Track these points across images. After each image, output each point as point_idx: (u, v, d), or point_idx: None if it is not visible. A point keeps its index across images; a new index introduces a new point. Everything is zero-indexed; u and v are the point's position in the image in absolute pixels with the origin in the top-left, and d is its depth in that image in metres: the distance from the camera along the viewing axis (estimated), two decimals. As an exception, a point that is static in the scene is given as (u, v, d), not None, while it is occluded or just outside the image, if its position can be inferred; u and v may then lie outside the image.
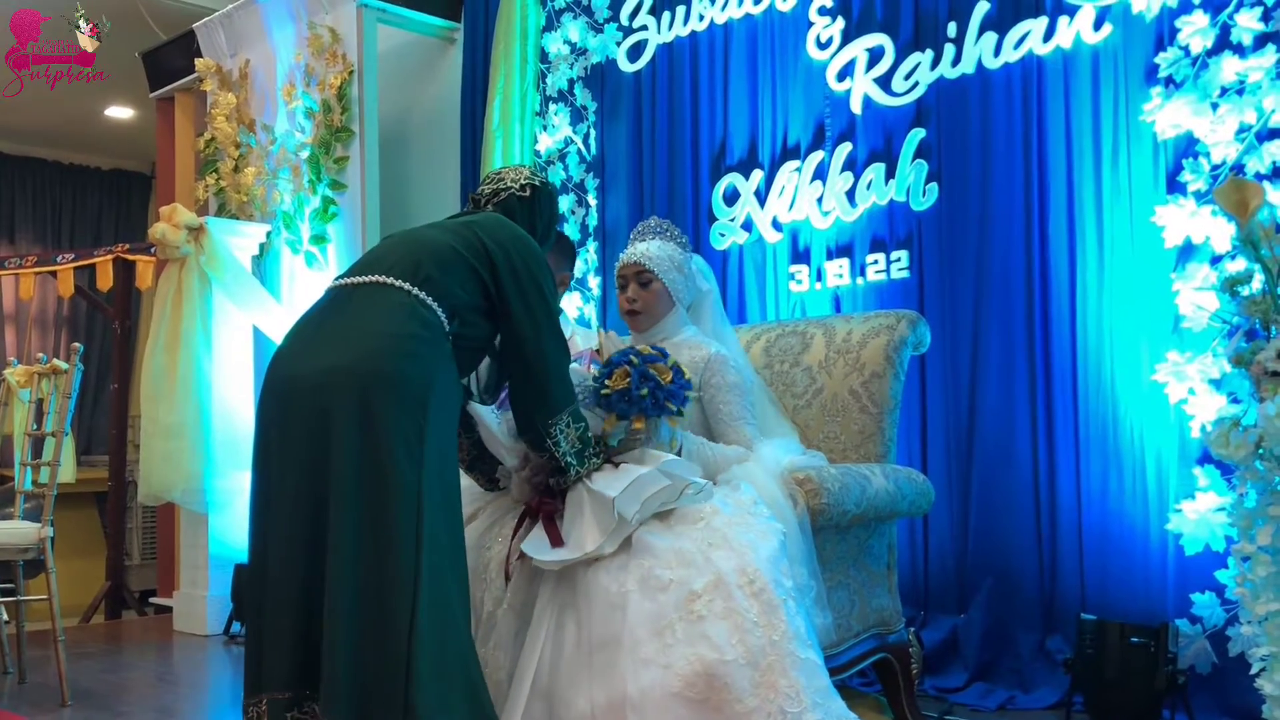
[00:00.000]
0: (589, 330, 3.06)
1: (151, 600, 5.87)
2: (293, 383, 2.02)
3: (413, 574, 1.89)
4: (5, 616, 4.00)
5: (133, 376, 5.97)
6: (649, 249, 2.68)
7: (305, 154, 5.11)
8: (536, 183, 2.39)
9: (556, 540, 2.18)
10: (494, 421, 2.33)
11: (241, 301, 4.88)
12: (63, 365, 3.80)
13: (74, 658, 3.90)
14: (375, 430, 1.92)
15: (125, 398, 5.83)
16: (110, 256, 5.58)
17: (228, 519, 4.80)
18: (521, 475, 2.38)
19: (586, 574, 2.18)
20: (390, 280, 2.07)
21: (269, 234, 5.20)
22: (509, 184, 2.37)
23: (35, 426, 3.92)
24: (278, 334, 4.80)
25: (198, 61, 5.62)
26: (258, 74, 5.46)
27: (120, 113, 7.83)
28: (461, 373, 2.17)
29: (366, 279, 2.10)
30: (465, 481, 2.35)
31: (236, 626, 4.67)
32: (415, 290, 2.06)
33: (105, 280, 5.61)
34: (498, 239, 2.17)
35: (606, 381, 2.33)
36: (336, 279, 2.19)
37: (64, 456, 3.72)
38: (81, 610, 5.62)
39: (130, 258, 5.58)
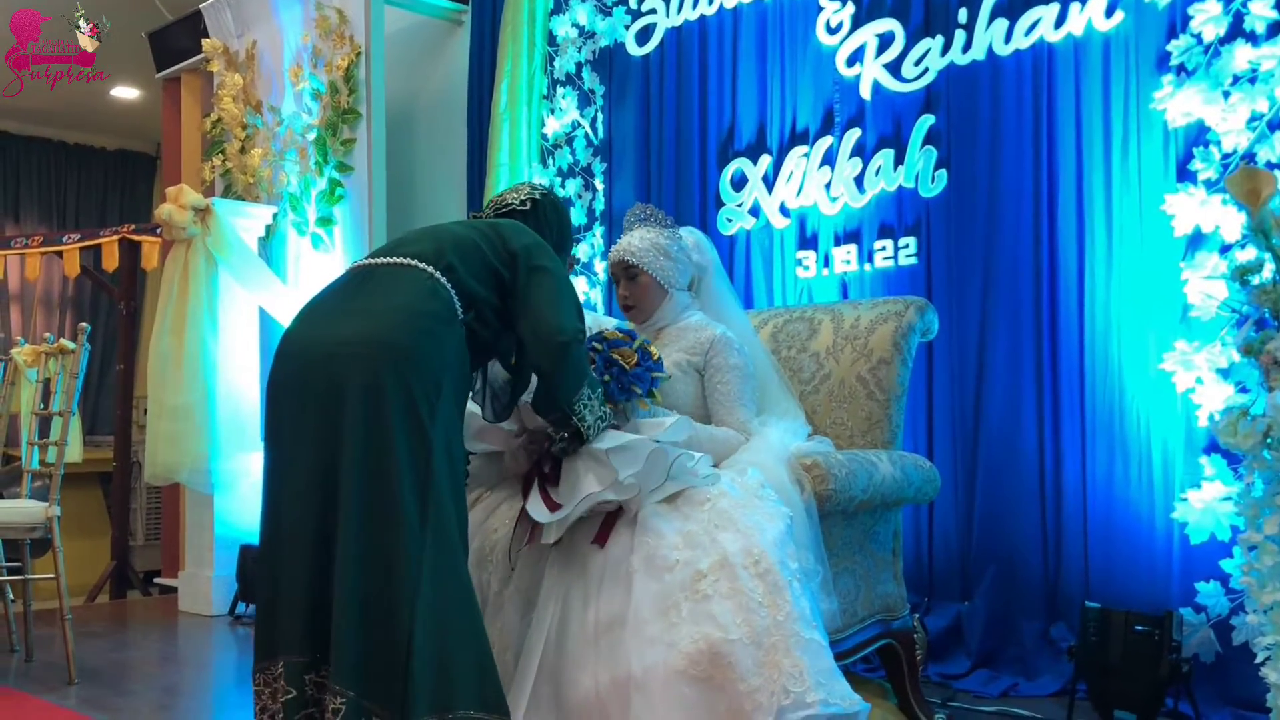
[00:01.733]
0: (596, 315, 3.06)
1: (156, 581, 5.89)
2: (307, 352, 2.04)
3: (418, 548, 1.91)
4: (12, 595, 4.02)
5: (138, 357, 5.98)
6: (632, 242, 2.68)
7: (312, 136, 5.10)
8: (537, 195, 2.42)
9: (553, 506, 2.19)
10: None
11: (248, 283, 4.87)
12: (70, 345, 3.81)
13: (80, 637, 3.91)
14: (387, 403, 1.94)
15: (131, 378, 5.84)
16: (116, 237, 5.59)
17: (233, 500, 4.81)
18: (518, 442, 2.39)
19: (592, 555, 2.20)
20: (412, 262, 2.11)
21: (275, 216, 5.19)
22: (509, 201, 2.42)
23: (42, 406, 3.93)
24: (284, 315, 4.80)
25: (204, 42, 5.60)
26: (264, 55, 5.45)
27: (126, 93, 7.82)
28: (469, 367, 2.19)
29: (388, 260, 2.14)
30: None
31: (242, 607, 4.68)
32: (436, 274, 2.09)
33: (111, 261, 5.61)
34: (521, 241, 2.22)
35: None
36: (357, 261, 2.23)
37: (70, 436, 3.73)
38: (85, 590, 5.64)
39: (136, 238, 5.58)
